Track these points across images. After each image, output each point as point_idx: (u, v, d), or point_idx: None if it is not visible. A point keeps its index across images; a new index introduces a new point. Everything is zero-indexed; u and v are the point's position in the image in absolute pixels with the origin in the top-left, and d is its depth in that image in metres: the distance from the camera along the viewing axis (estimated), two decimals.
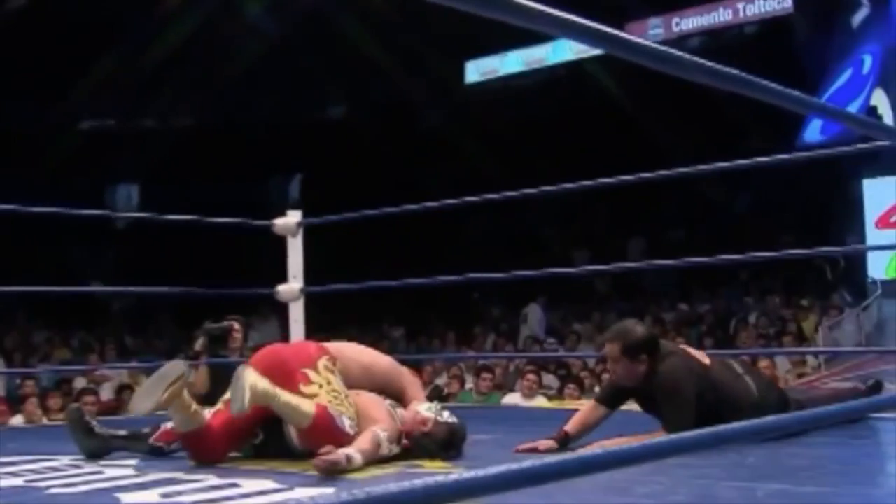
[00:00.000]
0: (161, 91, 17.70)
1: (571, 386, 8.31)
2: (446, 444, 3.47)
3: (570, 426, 3.69)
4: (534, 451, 3.57)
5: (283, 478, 3.12)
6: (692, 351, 3.81)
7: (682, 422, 3.34)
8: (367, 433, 3.32)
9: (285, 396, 3.29)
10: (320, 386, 3.39)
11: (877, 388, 4.22)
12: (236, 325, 5.49)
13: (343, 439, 3.26)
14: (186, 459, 3.51)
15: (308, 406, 3.29)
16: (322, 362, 3.48)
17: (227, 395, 3.50)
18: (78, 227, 17.29)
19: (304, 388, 3.38)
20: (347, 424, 3.30)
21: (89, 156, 17.73)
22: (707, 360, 3.73)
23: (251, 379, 3.23)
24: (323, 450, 3.14)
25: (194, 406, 3.44)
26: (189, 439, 3.46)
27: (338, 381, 3.45)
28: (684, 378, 3.54)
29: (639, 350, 3.59)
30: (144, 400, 3.38)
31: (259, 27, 17.52)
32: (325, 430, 3.27)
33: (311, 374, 3.42)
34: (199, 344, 5.50)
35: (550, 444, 3.61)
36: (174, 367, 3.43)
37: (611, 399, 3.78)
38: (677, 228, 17.08)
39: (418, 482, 1.08)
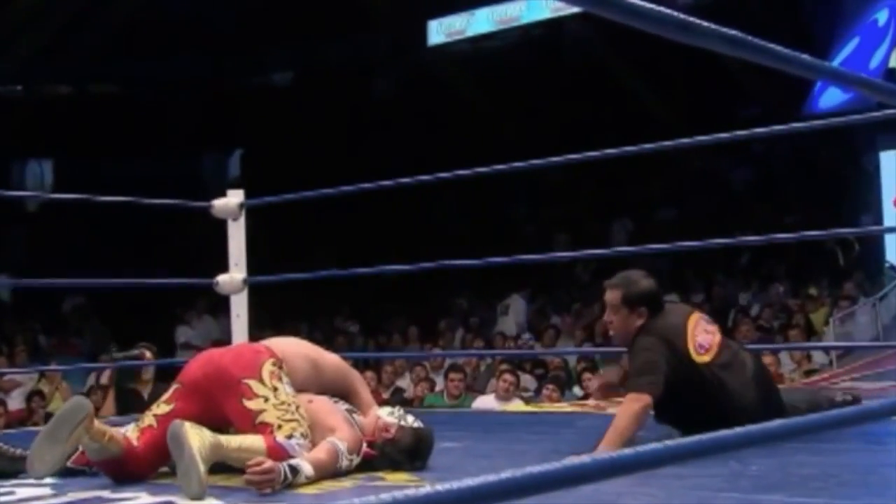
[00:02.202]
0: (77, 52, 17.50)
1: (550, 386, 8.35)
2: (412, 452, 3.48)
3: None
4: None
5: (227, 494, 3.12)
6: (698, 327, 3.88)
7: (641, 381, 3.63)
8: (322, 444, 3.31)
9: (233, 442, 3.23)
10: (265, 399, 3.33)
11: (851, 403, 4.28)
12: (147, 354, 5.44)
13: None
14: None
15: (258, 443, 3.24)
16: (267, 368, 3.42)
17: (159, 409, 3.49)
18: None
19: (247, 403, 3.33)
20: (296, 445, 3.25)
21: None
22: (708, 353, 3.82)
23: (195, 444, 3.08)
24: (252, 461, 3.11)
25: (109, 432, 3.34)
26: (108, 465, 3.40)
27: (285, 388, 3.41)
28: (658, 351, 3.72)
29: (640, 301, 3.82)
30: (45, 454, 3.21)
31: None
32: (280, 460, 3.24)
33: (255, 384, 3.36)
34: (105, 377, 5.46)
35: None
36: (76, 408, 3.28)
37: None
38: (668, 208, 17.16)
39: (386, 496, 1.08)
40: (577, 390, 9.10)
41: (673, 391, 3.67)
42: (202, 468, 3.05)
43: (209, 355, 3.65)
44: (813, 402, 4.06)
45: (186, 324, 13.16)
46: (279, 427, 3.27)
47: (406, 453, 3.47)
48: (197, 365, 3.57)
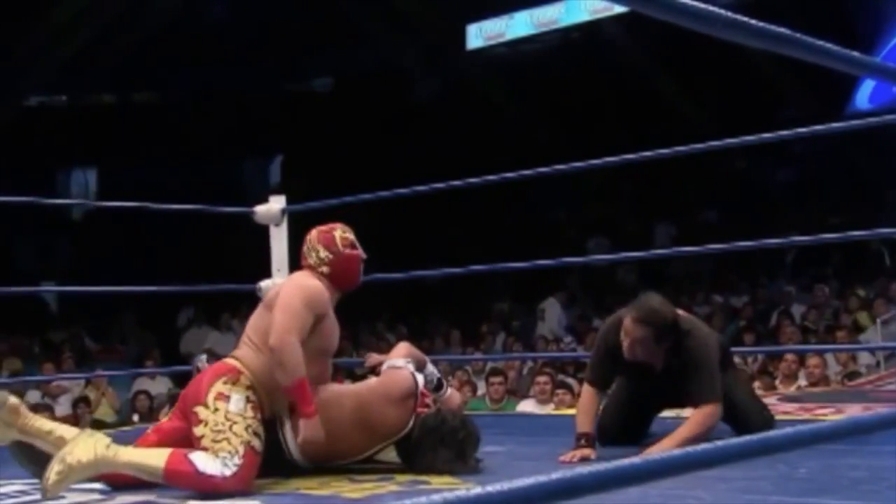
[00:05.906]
0: (119, 61, 17.64)
1: (561, 391, 8.29)
2: (457, 439, 3.50)
3: (586, 427, 3.88)
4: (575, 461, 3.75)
5: (274, 500, 3.12)
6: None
7: (716, 391, 3.79)
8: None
9: (124, 456, 3.28)
10: (205, 424, 3.35)
11: None
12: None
13: (214, 482, 3.22)
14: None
15: (156, 459, 3.27)
16: (216, 389, 3.40)
17: (161, 420, 3.55)
18: (26, 218, 17.27)
19: (195, 430, 3.36)
20: (211, 466, 3.24)
21: (38, 136, 17.69)
22: None
23: (77, 454, 3.20)
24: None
25: (56, 432, 3.39)
26: (108, 477, 3.43)
27: (229, 406, 3.37)
28: (713, 352, 3.92)
29: (669, 335, 3.85)
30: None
31: None
32: (183, 477, 3.25)
33: (201, 411, 3.37)
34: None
35: (588, 452, 3.79)
36: None
37: (606, 382, 4.11)
38: (710, 210, 17.06)
39: (436, 497, 1.08)
40: None
41: None
42: (56, 471, 3.15)
43: (199, 374, 3.62)
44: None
45: (231, 330, 13.07)
46: (208, 450, 3.29)
47: (451, 436, 3.48)
48: (189, 383, 3.59)
